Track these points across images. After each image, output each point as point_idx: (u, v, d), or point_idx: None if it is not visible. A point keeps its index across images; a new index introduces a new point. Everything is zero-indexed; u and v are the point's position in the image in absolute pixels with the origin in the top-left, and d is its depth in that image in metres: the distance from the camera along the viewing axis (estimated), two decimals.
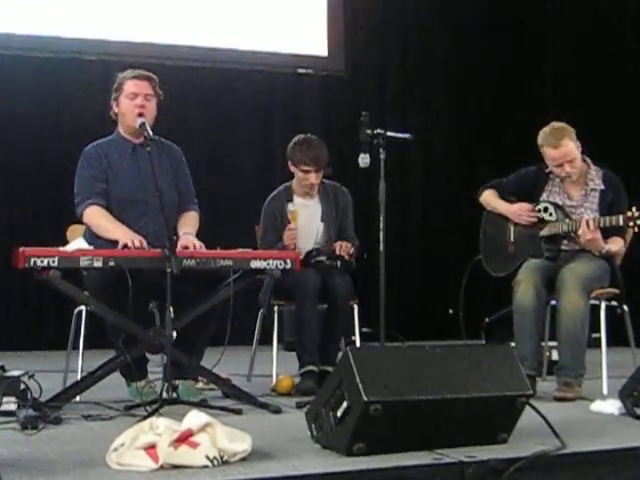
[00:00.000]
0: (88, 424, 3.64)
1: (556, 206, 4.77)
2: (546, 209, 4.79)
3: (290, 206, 4.94)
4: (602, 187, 4.74)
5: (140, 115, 4.24)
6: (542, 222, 4.79)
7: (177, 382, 4.01)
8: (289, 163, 4.99)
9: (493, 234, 5.02)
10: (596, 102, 8.22)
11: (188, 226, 4.38)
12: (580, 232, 4.55)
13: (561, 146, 4.63)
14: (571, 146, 4.66)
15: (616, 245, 4.67)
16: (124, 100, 4.32)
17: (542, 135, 4.73)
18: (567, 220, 4.69)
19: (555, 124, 4.74)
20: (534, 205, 4.83)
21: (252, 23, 7.88)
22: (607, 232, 4.60)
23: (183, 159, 4.54)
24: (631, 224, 4.45)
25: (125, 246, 4.00)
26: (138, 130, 4.23)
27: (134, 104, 4.28)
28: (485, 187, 5.03)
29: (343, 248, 4.82)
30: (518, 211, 4.86)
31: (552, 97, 8.31)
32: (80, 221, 4.37)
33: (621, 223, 4.49)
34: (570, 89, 8.21)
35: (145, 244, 4.05)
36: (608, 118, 8.03)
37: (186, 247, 4.12)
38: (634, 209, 4.44)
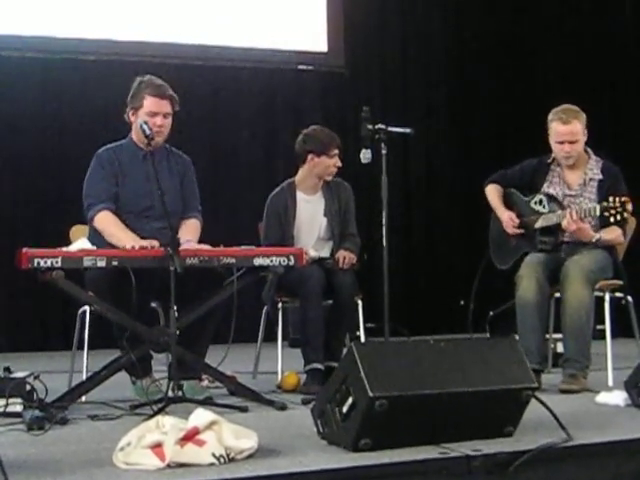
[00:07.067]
0: (94, 424, 3.65)
1: (550, 198, 4.77)
2: (540, 201, 4.80)
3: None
4: (600, 177, 4.74)
5: (157, 133, 4.27)
6: (537, 214, 4.79)
7: (182, 381, 4.01)
8: (309, 157, 4.91)
9: (498, 227, 5.03)
10: (603, 92, 8.20)
11: (190, 234, 4.37)
12: (564, 223, 4.57)
13: (570, 124, 4.66)
14: (579, 128, 4.68)
15: (610, 234, 4.65)
16: (143, 117, 4.32)
17: (554, 111, 4.75)
18: (559, 212, 4.69)
19: (570, 105, 4.76)
20: (531, 197, 4.83)
21: (252, 20, 7.88)
22: (604, 221, 4.59)
23: (192, 168, 4.57)
24: (607, 214, 4.46)
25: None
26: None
27: (152, 122, 4.29)
28: (489, 181, 5.05)
29: (346, 261, 4.81)
30: (506, 220, 4.89)
31: (556, 89, 8.28)
32: (87, 223, 4.37)
33: (597, 213, 4.50)
34: (575, 80, 8.17)
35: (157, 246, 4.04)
36: (615, 109, 8.02)
37: None
38: (611, 199, 4.46)
